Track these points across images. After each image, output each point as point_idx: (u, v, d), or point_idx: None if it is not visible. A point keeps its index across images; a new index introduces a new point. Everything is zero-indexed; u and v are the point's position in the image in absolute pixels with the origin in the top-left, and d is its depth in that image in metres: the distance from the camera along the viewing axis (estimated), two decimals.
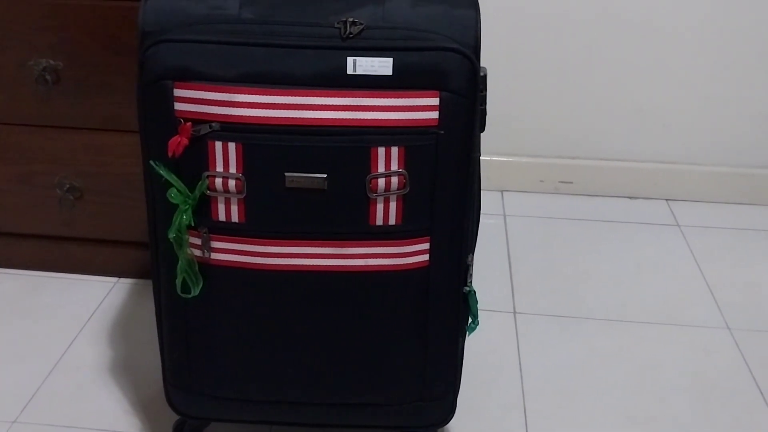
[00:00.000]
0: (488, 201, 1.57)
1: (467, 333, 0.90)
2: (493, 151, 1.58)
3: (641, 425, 1.02)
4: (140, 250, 1.26)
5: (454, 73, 0.76)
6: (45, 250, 1.30)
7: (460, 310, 0.88)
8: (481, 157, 0.85)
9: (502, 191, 1.62)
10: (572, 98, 1.55)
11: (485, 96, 0.80)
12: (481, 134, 0.84)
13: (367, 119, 0.76)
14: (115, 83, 1.15)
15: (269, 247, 0.81)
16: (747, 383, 1.10)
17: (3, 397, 1.05)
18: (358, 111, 0.75)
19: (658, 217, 1.54)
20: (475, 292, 0.87)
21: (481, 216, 0.90)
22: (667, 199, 1.60)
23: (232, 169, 0.77)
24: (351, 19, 0.75)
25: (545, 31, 1.49)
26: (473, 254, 0.89)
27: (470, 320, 0.89)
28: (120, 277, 1.31)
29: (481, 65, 0.79)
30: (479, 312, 0.89)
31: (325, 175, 0.77)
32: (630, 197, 1.61)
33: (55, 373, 1.10)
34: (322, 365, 0.87)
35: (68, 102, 1.17)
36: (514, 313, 1.24)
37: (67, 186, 1.23)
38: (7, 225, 1.28)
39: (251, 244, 0.81)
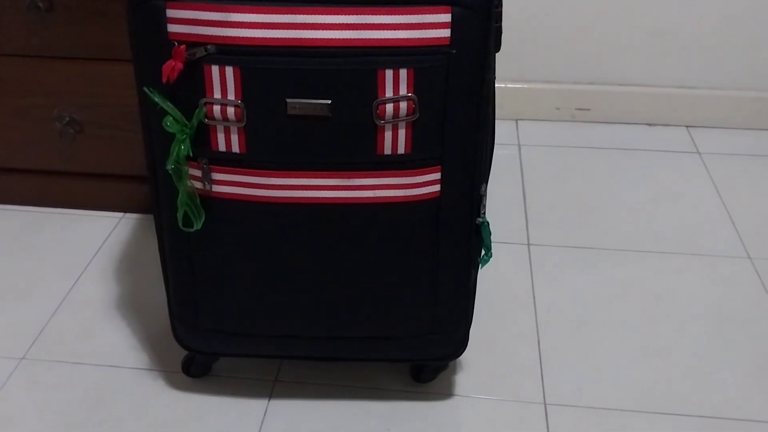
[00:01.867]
0: (502, 130, 1.52)
1: (480, 265, 0.87)
2: (507, 78, 1.53)
3: (657, 356, 1.00)
4: (145, 185, 1.23)
5: None
6: (47, 185, 1.27)
7: (473, 242, 0.84)
8: (495, 82, 0.80)
9: (516, 120, 1.57)
10: (588, 21, 1.48)
11: (501, 12, 0.75)
12: (498, 51, 0.78)
13: (373, 39, 0.71)
14: (109, 9, 1.09)
15: (272, 179, 0.77)
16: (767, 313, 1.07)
17: (11, 334, 1.04)
18: (363, 30, 0.70)
19: (678, 144, 1.49)
20: (488, 223, 0.84)
21: (496, 146, 0.86)
22: (687, 126, 1.54)
23: (231, 96, 0.73)
24: None
25: None
26: (487, 184, 0.85)
27: (483, 252, 0.86)
28: (125, 212, 1.28)
29: None
30: (493, 244, 0.85)
31: (329, 101, 0.73)
32: (649, 124, 1.55)
33: (61, 310, 1.08)
34: (331, 299, 0.85)
35: (62, 30, 1.12)
36: (528, 244, 1.21)
37: (67, 119, 1.19)
38: (7, 160, 1.25)
39: (253, 175, 0.77)
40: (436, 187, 0.79)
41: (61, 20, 1.11)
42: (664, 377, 0.97)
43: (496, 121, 0.85)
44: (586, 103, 1.54)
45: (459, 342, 0.91)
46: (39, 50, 1.14)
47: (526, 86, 1.54)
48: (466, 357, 0.98)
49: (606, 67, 1.52)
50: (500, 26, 0.76)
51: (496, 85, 0.81)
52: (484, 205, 0.84)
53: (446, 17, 0.71)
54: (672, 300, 1.10)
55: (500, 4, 0.75)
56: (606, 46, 1.50)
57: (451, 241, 0.83)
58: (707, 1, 1.44)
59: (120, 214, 1.28)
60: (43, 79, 1.17)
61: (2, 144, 1.23)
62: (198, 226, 0.79)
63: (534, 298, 1.10)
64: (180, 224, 0.79)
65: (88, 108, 1.18)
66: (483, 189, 0.84)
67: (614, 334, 1.04)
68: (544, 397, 0.94)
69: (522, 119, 1.57)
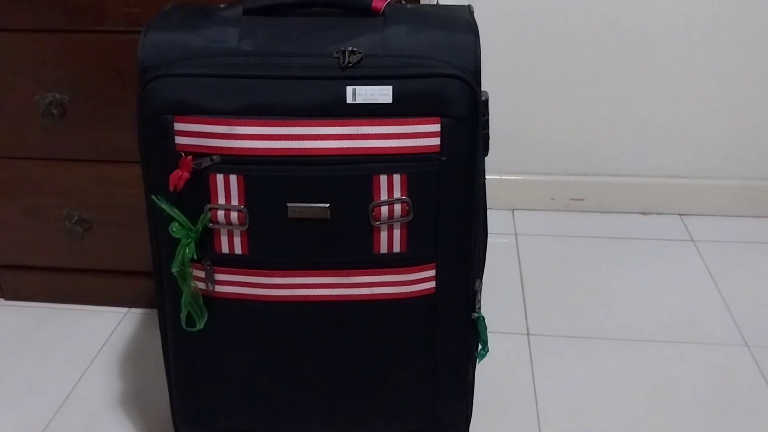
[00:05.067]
0: (499, 220, 1.56)
1: (477, 360, 0.89)
2: (503, 170, 1.57)
3: None
4: (150, 280, 1.25)
5: (454, 99, 0.75)
6: (54, 282, 1.30)
7: (470, 337, 0.86)
8: (490, 177, 0.84)
9: (512, 210, 1.61)
10: (581, 114, 1.54)
11: (487, 120, 0.80)
12: (489, 154, 0.83)
13: (368, 147, 0.75)
14: (120, 115, 1.15)
15: (273, 278, 0.80)
16: (767, 401, 1.07)
17: (17, 429, 1.04)
18: (359, 140, 0.75)
19: (672, 232, 1.52)
20: (484, 318, 0.86)
21: (493, 235, 0.89)
22: (680, 214, 1.58)
23: (234, 201, 0.77)
24: (350, 49, 0.75)
25: (552, 47, 1.49)
26: (481, 279, 0.88)
27: (480, 347, 0.88)
28: (131, 307, 1.31)
29: (488, 88, 0.78)
30: (491, 334, 0.87)
31: (327, 205, 0.77)
32: (643, 213, 1.59)
33: (66, 405, 1.09)
34: (331, 396, 0.86)
35: (74, 135, 1.17)
36: (528, 334, 1.23)
37: (76, 218, 1.23)
38: (17, 258, 1.29)
39: (255, 275, 0.80)
40: (432, 284, 0.82)
41: (73, 125, 1.17)
42: None
43: (493, 211, 0.89)
44: (580, 193, 1.58)
45: None
46: (52, 153, 1.19)
47: (521, 178, 1.59)
48: None
49: (599, 158, 1.57)
50: (488, 132, 0.80)
51: (491, 178, 0.85)
52: (479, 300, 0.87)
53: (436, 127, 0.75)
54: (671, 389, 1.10)
55: (487, 113, 0.79)
56: (598, 137, 1.55)
57: (448, 336, 0.85)
58: (695, 94, 1.50)
59: (125, 309, 1.30)
60: (54, 180, 1.21)
61: (12, 242, 1.27)
62: (201, 325, 0.82)
63: (534, 388, 1.11)
64: (183, 324, 0.82)
65: (96, 207, 1.22)
66: (477, 284, 0.86)
67: (615, 423, 1.04)
68: None
69: (518, 209, 1.61)
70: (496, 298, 1.29)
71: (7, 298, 1.33)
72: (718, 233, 1.51)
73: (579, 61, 1.49)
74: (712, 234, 1.50)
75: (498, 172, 1.56)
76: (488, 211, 0.89)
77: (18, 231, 1.26)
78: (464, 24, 0.80)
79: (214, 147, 0.75)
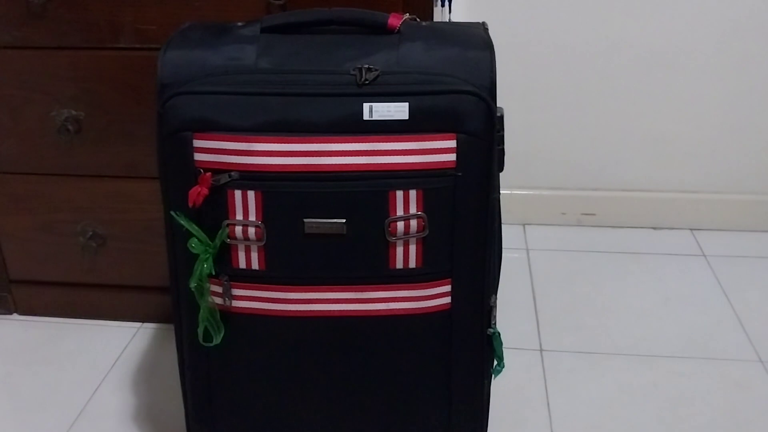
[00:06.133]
0: (511, 235, 1.56)
1: (492, 376, 0.89)
2: (515, 185, 1.58)
3: None
4: (163, 295, 1.26)
5: (470, 116, 0.75)
6: (68, 297, 1.31)
7: (485, 353, 0.86)
8: (502, 192, 0.84)
9: (524, 225, 1.61)
10: (591, 130, 1.54)
11: (503, 136, 0.80)
12: (502, 171, 0.83)
13: (384, 164, 0.76)
14: (135, 131, 1.16)
15: (290, 294, 0.80)
16: None
17: None
18: (376, 156, 0.75)
19: (684, 247, 1.52)
20: (499, 333, 0.86)
21: (505, 250, 0.90)
22: (691, 229, 1.58)
23: (252, 217, 0.77)
24: (366, 66, 0.76)
25: (563, 64, 1.49)
26: (496, 295, 0.88)
27: (495, 363, 0.88)
28: (143, 323, 1.31)
29: (499, 104, 0.79)
30: (505, 351, 0.87)
31: (344, 220, 0.77)
32: (654, 228, 1.59)
33: (79, 421, 1.09)
34: (346, 411, 0.86)
35: (90, 151, 1.18)
36: (541, 350, 1.23)
37: (90, 233, 1.24)
38: (31, 273, 1.29)
39: (272, 290, 0.80)
40: (447, 299, 0.82)
41: (89, 142, 1.18)
42: None
43: (504, 226, 0.90)
44: (592, 208, 1.59)
45: None
46: (67, 169, 1.20)
47: (532, 192, 1.59)
48: None
49: (610, 173, 1.57)
50: (503, 148, 0.81)
51: (503, 193, 0.86)
52: (495, 316, 0.87)
53: (452, 143, 0.76)
54: (685, 405, 1.10)
55: (502, 128, 0.80)
56: (609, 152, 1.56)
57: (463, 351, 0.85)
58: (706, 109, 1.51)
59: (138, 324, 1.31)
60: (69, 196, 1.22)
61: (26, 257, 1.28)
62: (218, 340, 0.82)
63: (548, 404, 1.11)
64: (201, 339, 0.82)
65: (110, 222, 1.23)
66: (493, 300, 0.87)
67: None
68: None
69: (529, 224, 1.61)
70: (509, 314, 1.29)
71: (21, 313, 1.34)
72: (730, 248, 1.51)
73: (590, 77, 1.50)
74: (723, 249, 1.50)
75: (509, 187, 1.57)
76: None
77: (32, 246, 1.27)
78: (479, 40, 0.81)
79: (232, 163, 0.76)
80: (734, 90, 1.49)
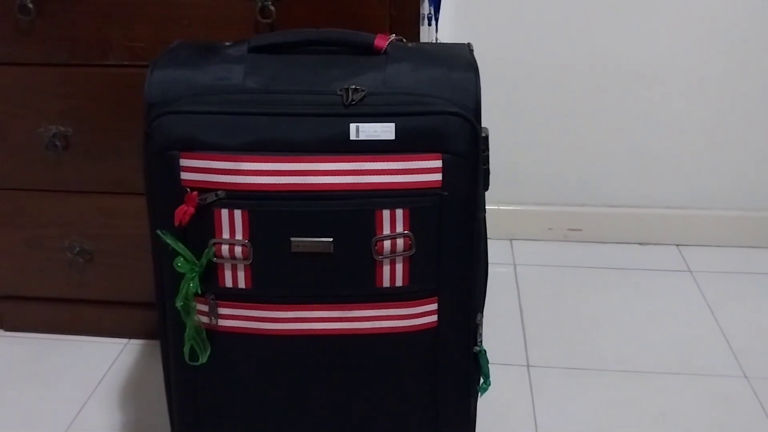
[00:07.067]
0: (497, 250, 1.57)
1: (479, 393, 0.89)
2: (501, 200, 1.59)
3: None
4: (150, 311, 1.25)
5: (455, 136, 0.76)
6: (55, 312, 1.30)
7: (471, 371, 0.87)
8: (489, 207, 0.85)
9: (511, 240, 1.62)
10: (578, 145, 1.56)
11: (488, 156, 0.81)
12: (487, 190, 0.84)
13: (371, 183, 0.76)
14: (123, 147, 1.16)
15: (276, 312, 0.80)
16: None
17: None
18: (362, 175, 0.76)
19: (670, 263, 1.53)
20: (485, 351, 0.86)
21: (491, 265, 0.90)
22: (677, 245, 1.59)
23: (239, 236, 0.78)
24: (353, 86, 0.76)
25: (550, 80, 1.51)
26: (482, 313, 0.88)
27: (482, 380, 0.88)
28: (131, 338, 1.31)
29: (485, 120, 0.80)
30: (492, 366, 0.88)
31: (331, 239, 0.78)
32: (640, 243, 1.60)
33: None
34: (333, 429, 0.86)
35: (77, 167, 1.18)
36: (528, 366, 1.23)
37: (77, 249, 1.23)
38: (18, 288, 1.29)
39: (258, 309, 0.80)
40: (434, 318, 0.83)
41: (76, 157, 1.18)
42: None
43: (491, 241, 0.90)
44: (578, 223, 1.60)
45: None
46: (54, 185, 1.20)
47: (519, 208, 1.60)
48: None
49: (596, 188, 1.59)
50: (488, 168, 0.82)
51: (490, 208, 0.86)
52: (481, 334, 0.87)
53: (437, 163, 0.76)
54: (671, 421, 1.10)
55: (487, 148, 0.81)
56: (595, 168, 1.57)
57: (449, 369, 0.85)
58: (692, 126, 1.52)
59: (125, 340, 1.30)
60: (57, 211, 1.22)
61: (13, 272, 1.28)
62: (203, 359, 0.82)
63: (535, 420, 1.11)
64: (186, 358, 0.82)
65: (98, 238, 1.23)
66: (479, 318, 0.87)
67: None
68: None
69: (516, 239, 1.62)
70: (496, 329, 1.30)
71: (7, 329, 1.33)
72: (716, 264, 1.52)
73: (576, 93, 1.51)
74: (709, 264, 1.51)
75: (496, 202, 1.58)
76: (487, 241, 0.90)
77: (19, 261, 1.26)
78: (464, 62, 0.82)
79: (219, 183, 0.76)
80: (720, 106, 1.51)
